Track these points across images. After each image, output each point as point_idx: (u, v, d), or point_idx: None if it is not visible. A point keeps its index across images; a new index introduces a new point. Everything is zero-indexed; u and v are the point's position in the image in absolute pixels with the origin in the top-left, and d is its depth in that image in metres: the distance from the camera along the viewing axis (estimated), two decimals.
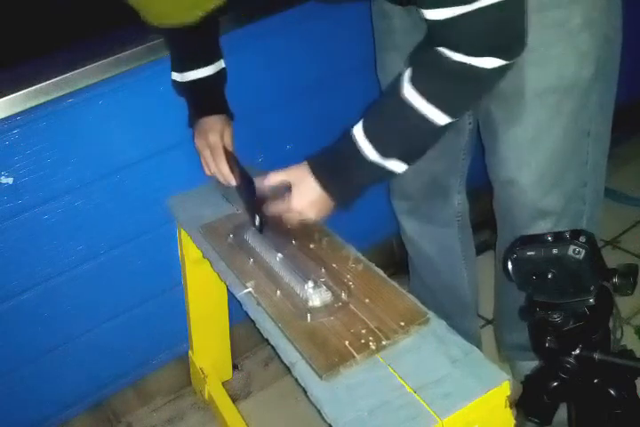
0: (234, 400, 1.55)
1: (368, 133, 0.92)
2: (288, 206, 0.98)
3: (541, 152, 1.07)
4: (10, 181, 1.15)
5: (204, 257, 1.17)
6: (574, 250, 0.78)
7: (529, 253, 0.80)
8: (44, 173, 1.18)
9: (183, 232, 1.28)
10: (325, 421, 0.80)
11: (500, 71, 0.85)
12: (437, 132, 0.91)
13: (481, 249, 1.87)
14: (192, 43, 1.15)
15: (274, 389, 1.64)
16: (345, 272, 1.00)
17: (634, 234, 1.89)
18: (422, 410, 0.77)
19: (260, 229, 1.07)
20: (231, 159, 1.14)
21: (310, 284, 0.96)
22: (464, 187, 1.33)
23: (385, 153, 0.92)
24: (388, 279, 0.98)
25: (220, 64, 1.19)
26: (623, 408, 0.86)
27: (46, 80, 1.10)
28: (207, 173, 1.20)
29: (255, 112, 1.37)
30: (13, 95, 1.08)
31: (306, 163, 0.97)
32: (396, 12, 1.11)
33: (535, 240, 0.81)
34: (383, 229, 1.68)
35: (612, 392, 0.85)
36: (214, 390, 1.54)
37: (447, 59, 0.83)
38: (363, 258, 1.03)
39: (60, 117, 1.15)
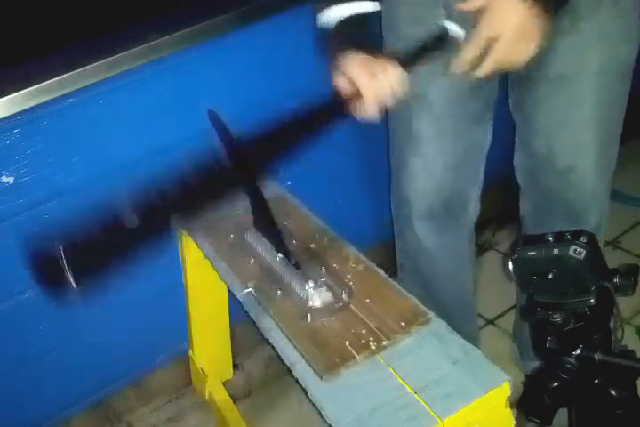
0: (234, 400, 1.55)
1: None
2: (486, 36, 0.83)
3: (600, 135, 1.09)
4: (10, 180, 1.15)
5: (204, 257, 1.17)
6: (575, 250, 0.78)
7: (530, 253, 0.80)
8: (44, 172, 1.17)
9: (184, 232, 1.28)
10: (326, 421, 0.80)
11: None
12: None
13: (481, 249, 1.87)
14: None
15: (274, 388, 1.64)
16: (345, 272, 1.00)
17: (634, 234, 1.89)
18: (423, 411, 0.77)
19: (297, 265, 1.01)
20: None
21: (311, 284, 0.96)
22: (479, 197, 1.32)
23: None
24: (389, 279, 0.98)
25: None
26: (624, 409, 0.86)
27: (47, 80, 1.09)
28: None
29: (255, 112, 1.37)
30: (14, 95, 1.08)
31: None
32: (439, 17, 1.04)
33: (536, 240, 0.81)
34: (384, 229, 1.68)
35: (613, 392, 0.85)
36: (215, 389, 1.54)
37: None
38: (363, 258, 1.03)
39: (61, 117, 1.15)
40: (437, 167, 1.21)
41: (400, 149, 1.26)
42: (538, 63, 1.05)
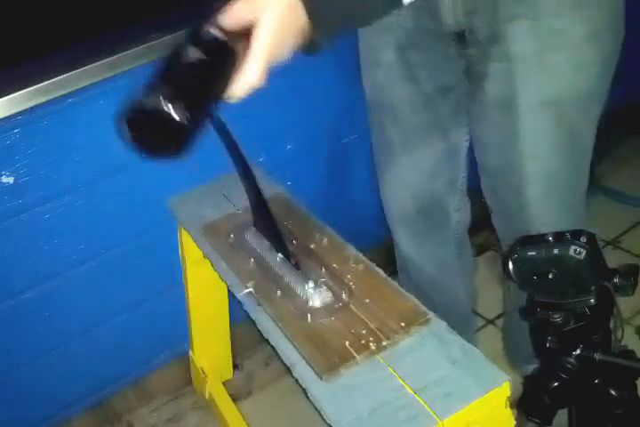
0: (234, 400, 1.55)
1: None
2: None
3: (543, 166, 1.05)
4: (11, 180, 1.15)
5: (204, 257, 1.17)
6: (575, 250, 0.77)
7: (530, 253, 0.80)
8: (44, 172, 1.17)
9: (184, 232, 1.28)
10: (326, 421, 0.80)
11: None
12: None
13: (481, 249, 1.87)
14: None
15: (274, 388, 1.64)
16: (345, 272, 1.00)
17: (634, 234, 1.89)
18: (422, 411, 0.77)
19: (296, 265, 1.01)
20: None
21: (311, 284, 0.96)
22: (464, 204, 1.30)
23: None
24: (389, 279, 0.98)
25: None
26: (624, 409, 0.86)
27: (47, 80, 1.09)
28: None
29: (255, 112, 1.37)
30: (14, 95, 1.08)
31: None
32: (395, 28, 1.04)
33: (536, 240, 0.81)
34: (384, 228, 1.68)
35: (613, 393, 0.85)
36: (215, 389, 1.54)
37: None
38: (363, 258, 1.03)
39: (61, 117, 1.15)
40: (410, 174, 1.20)
41: (377, 155, 1.25)
42: (476, 84, 1.04)
